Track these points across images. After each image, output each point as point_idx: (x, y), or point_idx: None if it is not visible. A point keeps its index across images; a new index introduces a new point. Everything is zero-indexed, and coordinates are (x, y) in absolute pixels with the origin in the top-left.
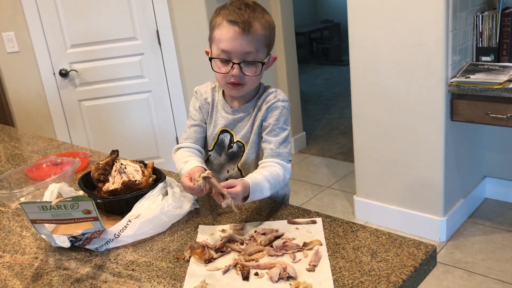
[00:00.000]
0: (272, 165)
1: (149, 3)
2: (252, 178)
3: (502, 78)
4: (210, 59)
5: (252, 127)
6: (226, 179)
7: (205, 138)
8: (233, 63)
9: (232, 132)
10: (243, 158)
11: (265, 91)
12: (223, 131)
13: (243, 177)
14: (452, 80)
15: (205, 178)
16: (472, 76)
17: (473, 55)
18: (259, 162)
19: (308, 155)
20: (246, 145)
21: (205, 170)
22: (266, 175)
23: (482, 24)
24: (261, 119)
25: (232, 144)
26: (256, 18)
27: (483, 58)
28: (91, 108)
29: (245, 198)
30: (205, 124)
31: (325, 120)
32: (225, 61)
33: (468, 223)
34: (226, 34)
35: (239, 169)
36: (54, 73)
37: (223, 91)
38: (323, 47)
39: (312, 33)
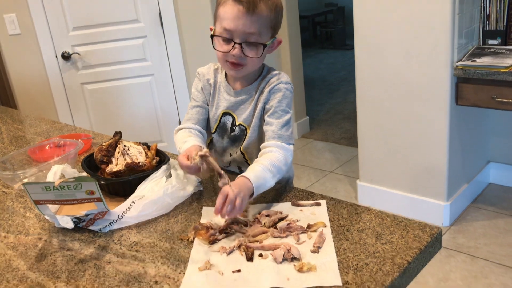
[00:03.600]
0: (271, 151)
1: None
2: (252, 171)
3: (509, 61)
4: (212, 36)
5: (255, 110)
6: (230, 163)
7: (208, 119)
8: (235, 43)
9: (234, 115)
10: (245, 141)
11: (269, 73)
12: (225, 114)
13: (246, 160)
14: (457, 64)
15: (202, 156)
16: (478, 60)
17: (480, 39)
18: (261, 146)
19: (311, 140)
20: (249, 128)
21: (202, 148)
22: (266, 165)
23: (489, 6)
24: (264, 101)
25: (234, 127)
26: None
27: (490, 42)
28: (93, 91)
29: (251, 194)
30: (207, 105)
31: (328, 105)
32: (227, 40)
33: (472, 208)
34: (230, 12)
35: (241, 153)
36: (56, 56)
37: (225, 73)
38: (327, 31)
39: (316, 16)
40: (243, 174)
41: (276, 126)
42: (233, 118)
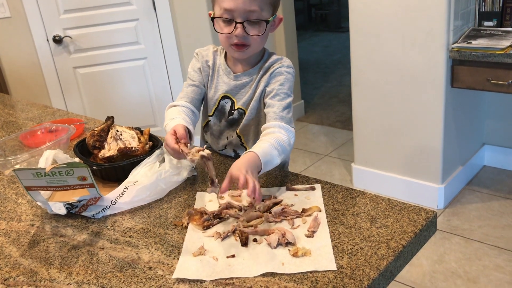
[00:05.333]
0: (275, 131)
1: None
2: (260, 147)
3: (505, 43)
4: (212, 19)
5: (254, 93)
6: (225, 146)
7: (202, 100)
8: (236, 23)
9: (233, 99)
10: (242, 123)
11: (270, 57)
12: (224, 97)
13: (242, 143)
14: (453, 46)
15: (203, 157)
16: (474, 42)
17: (476, 20)
18: (262, 128)
19: (306, 124)
20: (247, 111)
21: (188, 130)
22: (272, 142)
23: None
24: (264, 84)
25: (232, 111)
26: None
27: (486, 23)
28: (86, 76)
29: (258, 171)
30: (204, 86)
31: (323, 88)
32: (228, 21)
33: (466, 190)
34: None
35: (238, 136)
36: (47, 40)
37: (225, 55)
38: (322, 13)
39: None
40: (250, 149)
41: (278, 107)
42: (232, 102)
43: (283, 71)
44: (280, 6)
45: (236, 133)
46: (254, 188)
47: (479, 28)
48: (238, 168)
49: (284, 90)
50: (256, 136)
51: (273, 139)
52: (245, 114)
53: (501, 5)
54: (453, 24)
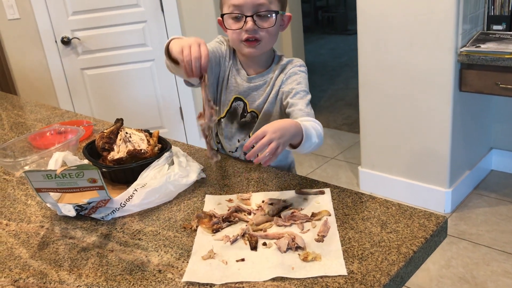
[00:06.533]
0: (307, 120)
1: None
2: (301, 122)
3: None
4: (222, 16)
5: (268, 96)
6: (237, 149)
7: (218, 99)
8: (246, 17)
9: (245, 101)
10: (255, 127)
11: (281, 59)
12: (236, 99)
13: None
14: (462, 50)
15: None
16: (482, 46)
17: (484, 24)
18: None
19: None
20: (260, 114)
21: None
22: (309, 124)
23: None
24: (279, 86)
25: (245, 114)
26: None
27: (495, 27)
28: (94, 77)
29: (294, 146)
30: (212, 68)
31: (330, 91)
32: (237, 18)
33: (473, 195)
34: None
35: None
36: (56, 41)
37: (239, 59)
38: (329, 15)
39: (317, 1)
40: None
41: (302, 105)
42: (245, 104)
43: (297, 70)
44: (288, 9)
45: (249, 136)
46: (272, 152)
47: (488, 32)
48: (273, 130)
49: (303, 88)
50: None
51: (308, 123)
52: (258, 118)
53: (510, 9)
54: (462, 27)
